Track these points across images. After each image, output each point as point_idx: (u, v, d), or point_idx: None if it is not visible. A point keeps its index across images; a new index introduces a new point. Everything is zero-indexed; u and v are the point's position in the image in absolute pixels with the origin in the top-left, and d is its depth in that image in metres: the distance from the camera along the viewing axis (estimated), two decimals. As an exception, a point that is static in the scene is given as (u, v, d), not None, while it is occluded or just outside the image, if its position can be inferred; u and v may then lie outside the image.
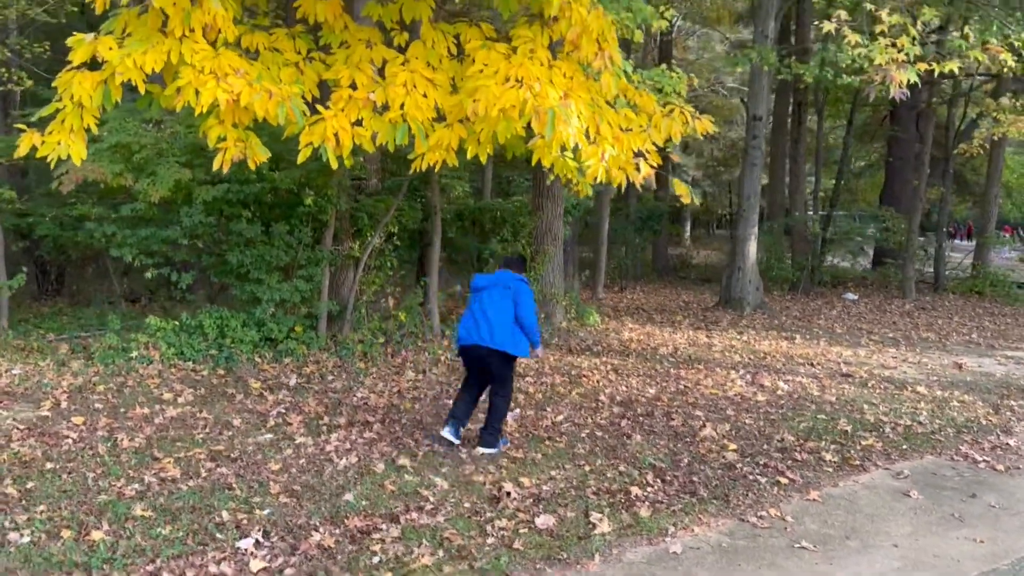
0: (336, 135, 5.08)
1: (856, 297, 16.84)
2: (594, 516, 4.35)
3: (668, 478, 5.04)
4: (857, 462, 5.52)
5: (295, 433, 5.69)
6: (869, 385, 7.93)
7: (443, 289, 9.28)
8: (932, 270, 19.72)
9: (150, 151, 6.99)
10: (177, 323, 7.38)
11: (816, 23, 17.99)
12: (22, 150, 4.95)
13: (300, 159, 5.05)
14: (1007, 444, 6.14)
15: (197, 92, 4.80)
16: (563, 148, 5.22)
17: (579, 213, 11.45)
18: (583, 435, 5.92)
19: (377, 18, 5.88)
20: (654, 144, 5.90)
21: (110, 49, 4.77)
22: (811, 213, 19.49)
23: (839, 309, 14.64)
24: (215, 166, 4.99)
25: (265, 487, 4.67)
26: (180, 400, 6.32)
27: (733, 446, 5.73)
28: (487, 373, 5.48)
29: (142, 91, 4.91)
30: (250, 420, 5.96)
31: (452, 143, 5.25)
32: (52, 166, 5.14)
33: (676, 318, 12.23)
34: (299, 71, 5.59)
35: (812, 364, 8.93)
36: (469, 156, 5.33)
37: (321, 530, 4.08)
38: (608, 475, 5.07)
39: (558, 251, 9.62)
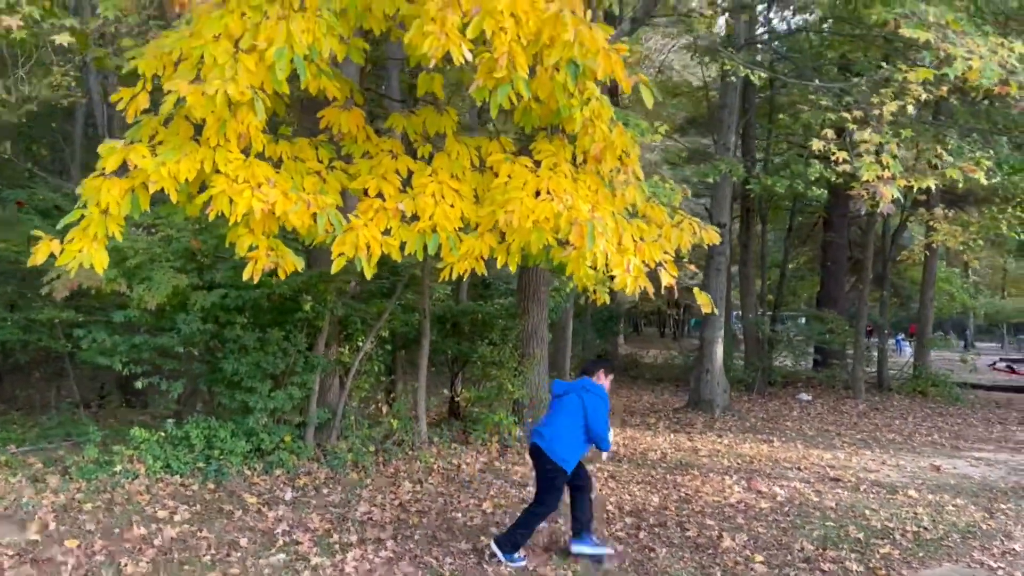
0: (368, 245, 5.04)
1: (810, 397, 17.16)
2: (651, 639, 4.21)
3: None
4: (883, 572, 5.51)
5: (308, 553, 5.41)
6: (861, 489, 8.00)
7: (433, 394, 9.09)
8: (875, 370, 20.37)
9: (143, 256, 6.79)
10: (163, 434, 7.04)
11: (768, 135, 19.05)
12: (38, 258, 4.76)
13: (335, 269, 4.98)
14: (1014, 549, 6.22)
15: (231, 201, 4.74)
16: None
17: (557, 316, 11.55)
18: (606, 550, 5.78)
19: (401, 130, 5.95)
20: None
21: (143, 157, 4.69)
22: (760, 314, 20.06)
23: (799, 410, 14.88)
24: (245, 276, 4.88)
25: (295, 615, 4.40)
26: (176, 518, 5.95)
27: (759, 558, 5.67)
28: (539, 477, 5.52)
29: (174, 199, 4.81)
30: (256, 539, 5.64)
31: (483, 252, 5.26)
32: (72, 274, 4.94)
33: (649, 420, 12.25)
34: (322, 180, 5.58)
35: (799, 468, 8.98)
36: (499, 265, 5.35)
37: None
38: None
39: (544, 354, 9.62)
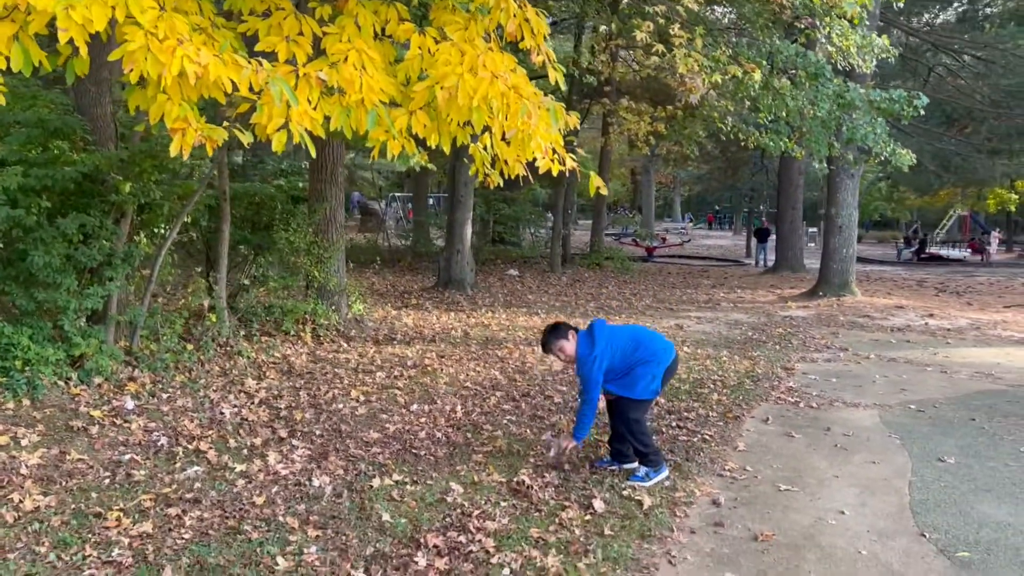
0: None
1: (517, 272, 18.58)
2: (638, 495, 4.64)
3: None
4: (731, 414, 6.51)
5: (222, 461, 4.91)
6: (646, 350, 9.11)
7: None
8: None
9: None
10: (-60, 347, 5.69)
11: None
12: None
13: (278, 147, 4.36)
14: (791, 387, 7.67)
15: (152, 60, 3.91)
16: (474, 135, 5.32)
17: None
18: (504, 422, 6.03)
19: (299, -13, 5.23)
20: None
21: (41, -4, 3.64)
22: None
23: (521, 284, 16.09)
24: (173, 151, 4.07)
25: (281, 526, 4.06)
26: (25, 443, 4.97)
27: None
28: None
29: (84, 54, 3.83)
30: (147, 455, 4.97)
31: (417, 131, 4.97)
32: None
33: (414, 301, 12.44)
34: (210, 39, 4.76)
35: (581, 336, 9.89)
36: (432, 144, 5.10)
37: (415, 554, 3.76)
38: (589, 454, 5.33)
39: (343, 240, 9.22)
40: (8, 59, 3.71)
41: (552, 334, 4.97)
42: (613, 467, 5.11)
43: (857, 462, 5.47)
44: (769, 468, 5.27)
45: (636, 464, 5.06)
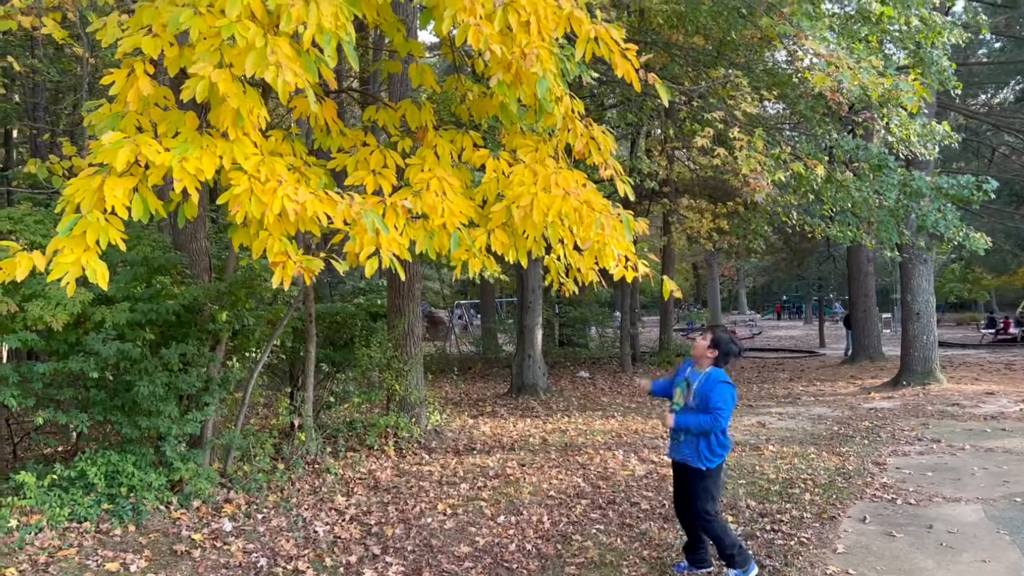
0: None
1: (588, 374, 18.55)
2: (731, 601, 4.53)
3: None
4: (826, 516, 6.33)
5: (321, 581, 5.00)
6: (735, 450, 8.97)
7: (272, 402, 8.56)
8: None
9: (21, 267, 5.67)
10: (54, 476, 5.98)
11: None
12: (18, 272, 3.90)
13: (370, 272, 4.63)
14: (886, 483, 7.43)
15: (254, 201, 4.25)
16: (547, 247, 5.53)
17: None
18: (593, 531, 5.99)
19: (383, 123, 5.64)
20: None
21: (158, 152, 4.03)
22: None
23: (592, 386, 16.04)
24: (275, 283, 4.36)
25: (384, 644, 4.10)
26: (134, 568, 5.15)
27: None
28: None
29: (195, 200, 4.19)
30: (249, 576, 5.09)
31: (496, 248, 5.20)
32: (70, 292, 4.06)
33: (489, 408, 12.52)
34: (303, 176, 5.13)
35: (662, 438, 9.81)
36: (511, 260, 5.32)
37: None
38: (671, 562, 5.25)
39: (420, 353, 9.46)
40: (129, 209, 4.07)
41: (719, 332, 5.24)
42: (694, 571, 5.07)
43: (966, 561, 5.26)
44: (873, 571, 5.10)
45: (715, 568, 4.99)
